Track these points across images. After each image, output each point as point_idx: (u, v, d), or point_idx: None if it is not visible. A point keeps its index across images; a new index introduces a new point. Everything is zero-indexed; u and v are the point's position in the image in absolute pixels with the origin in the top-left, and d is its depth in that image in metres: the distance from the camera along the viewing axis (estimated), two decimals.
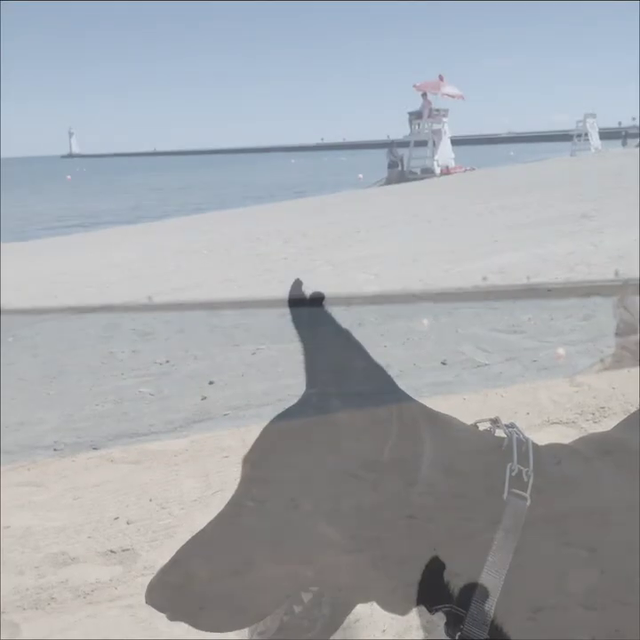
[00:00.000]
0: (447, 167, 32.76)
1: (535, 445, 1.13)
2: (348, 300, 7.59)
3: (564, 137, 49.97)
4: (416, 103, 34.57)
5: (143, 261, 12.02)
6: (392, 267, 9.92)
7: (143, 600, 1.10)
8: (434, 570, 1.05)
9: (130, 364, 6.34)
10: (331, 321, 1.10)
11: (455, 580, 1.05)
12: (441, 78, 34.11)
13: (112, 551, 3.01)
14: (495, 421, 1.17)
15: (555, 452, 1.15)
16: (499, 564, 1.03)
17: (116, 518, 3.29)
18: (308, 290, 1.14)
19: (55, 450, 4.42)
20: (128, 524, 3.24)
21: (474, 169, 33.78)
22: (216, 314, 7.99)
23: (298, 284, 1.15)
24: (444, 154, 33.43)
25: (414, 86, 33.97)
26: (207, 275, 10.25)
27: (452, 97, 34.04)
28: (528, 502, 1.05)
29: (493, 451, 1.11)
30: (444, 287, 8.39)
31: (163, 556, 2.66)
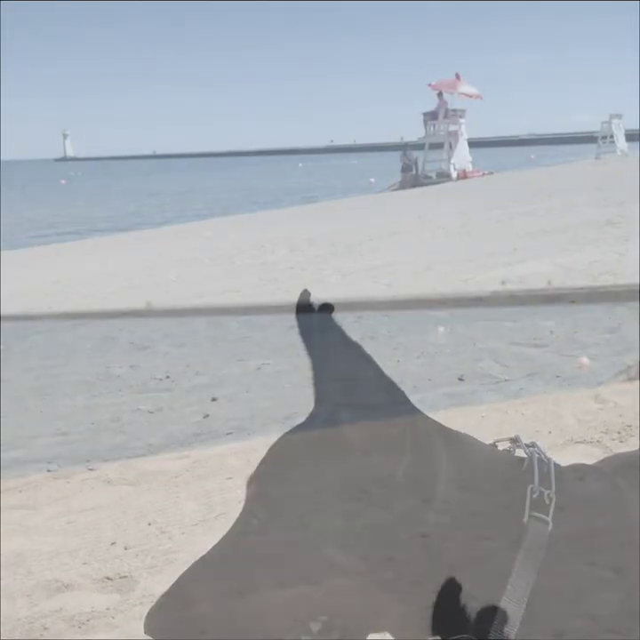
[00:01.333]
0: (464, 171, 32.75)
1: (557, 466, 1.13)
2: (360, 306, 7.60)
3: (588, 139, 49.95)
4: (431, 103, 34.60)
5: (142, 271, 12.05)
6: (405, 277, 9.92)
7: (141, 630, 1.10)
8: (450, 594, 1.04)
9: (127, 378, 6.35)
10: (340, 333, 1.11)
11: (473, 604, 1.04)
12: (458, 77, 34.11)
13: (108, 578, 3.01)
14: (515, 440, 1.17)
15: (578, 471, 1.15)
16: (520, 588, 1.02)
17: (113, 543, 3.29)
18: (316, 301, 1.14)
19: (49, 470, 4.42)
20: (126, 549, 3.24)
21: (492, 173, 33.76)
22: (219, 326, 8.00)
23: (306, 294, 1.15)
24: (461, 157, 33.42)
25: (429, 85, 34.01)
26: (209, 285, 10.26)
27: (470, 97, 34.03)
28: (550, 526, 1.05)
29: (513, 471, 1.11)
30: (461, 292, 8.39)
31: (162, 583, 2.66)
